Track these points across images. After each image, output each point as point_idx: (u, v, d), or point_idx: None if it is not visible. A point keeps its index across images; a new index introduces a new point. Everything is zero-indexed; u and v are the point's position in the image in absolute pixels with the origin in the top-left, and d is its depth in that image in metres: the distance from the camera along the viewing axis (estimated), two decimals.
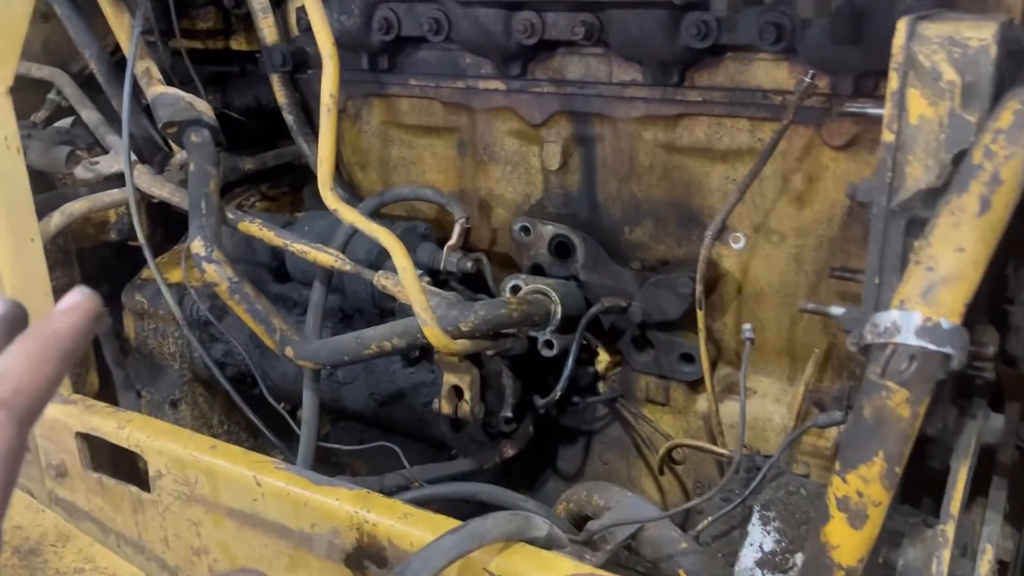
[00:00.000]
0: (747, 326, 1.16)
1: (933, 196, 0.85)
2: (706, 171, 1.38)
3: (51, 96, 1.91)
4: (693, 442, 1.30)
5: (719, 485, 1.11)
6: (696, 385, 1.47)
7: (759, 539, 1.06)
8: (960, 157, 0.82)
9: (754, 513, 1.08)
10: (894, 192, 0.88)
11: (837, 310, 1.06)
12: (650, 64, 1.33)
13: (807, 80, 1.13)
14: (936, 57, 0.83)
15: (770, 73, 1.27)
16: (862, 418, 0.77)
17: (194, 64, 1.80)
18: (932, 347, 0.72)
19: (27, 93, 1.91)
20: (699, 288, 1.26)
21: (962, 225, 0.74)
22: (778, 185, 1.32)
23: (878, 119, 1.15)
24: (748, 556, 1.04)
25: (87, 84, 1.86)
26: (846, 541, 0.79)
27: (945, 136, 0.83)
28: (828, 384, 1.39)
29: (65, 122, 1.92)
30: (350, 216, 1.27)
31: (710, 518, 1.08)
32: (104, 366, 1.80)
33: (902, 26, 0.84)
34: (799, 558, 1.03)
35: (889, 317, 0.74)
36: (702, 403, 1.47)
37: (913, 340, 0.72)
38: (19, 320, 0.53)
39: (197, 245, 1.31)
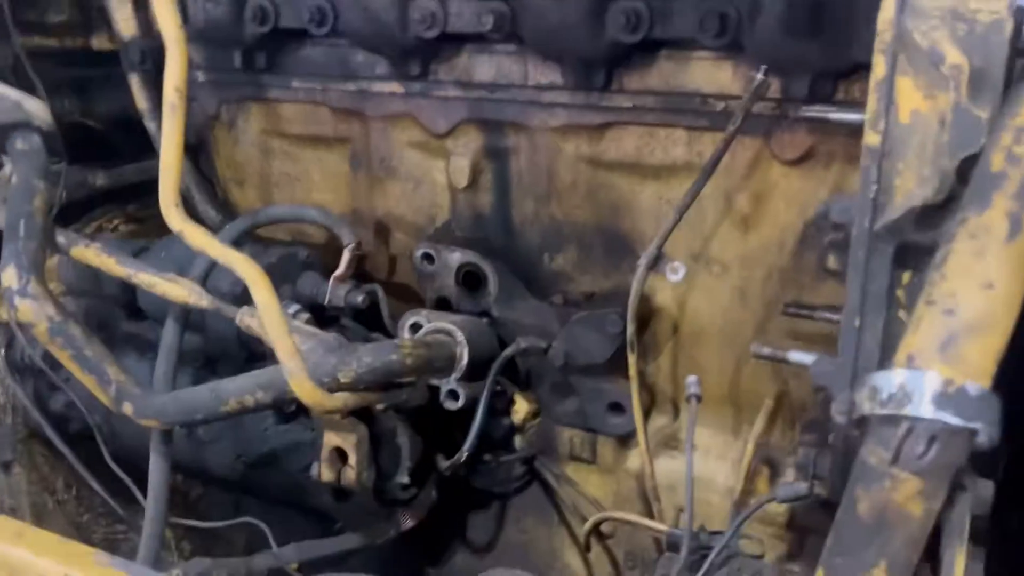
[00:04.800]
0: (692, 379, 0.95)
1: (930, 215, 0.66)
2: (636, 190, 1.18)
3: None
4: (624, 515, 1.09)
5: (662, 571, 0.89)
6: (627, 439, 1.26)
7: None
8: (968, 164, 0.63)
9: None
10: (879, 210, 0.68)
11: (800, 356, 0.87)
12: (571, 63, 1.13)
13: (760, 77, 0.94)
14: (936, 35, 0.64)
15: (711, 74, 1.08)
16: (856, 516, 0.56)
17: (49, 66, 1.53)
18: (957, 422, 0.52)
19: None
20: (631, 328, 1.05)
21: (988, 253, 0.55)
22: (720, 206, 1.13)
23: (840, 127, 0.98)
24: None
25: None
26: None
27: (948, 138, 0.64)
28: (779, 438, 1.19)
29: None
30: (200, 240, 1.02)
31: None
32: None
33: None
34: None
35: (894, 379, 0.54)
36: (634, 460, 1.26)
37: (930, 412, 0.52)
38: None
39: (9, 275, 1.04)
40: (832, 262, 0.82)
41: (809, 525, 1.13)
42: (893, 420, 0.53)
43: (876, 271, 0.70)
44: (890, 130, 0.67)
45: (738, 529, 0.89)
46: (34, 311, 1.04)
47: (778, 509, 1.15)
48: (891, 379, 0.54)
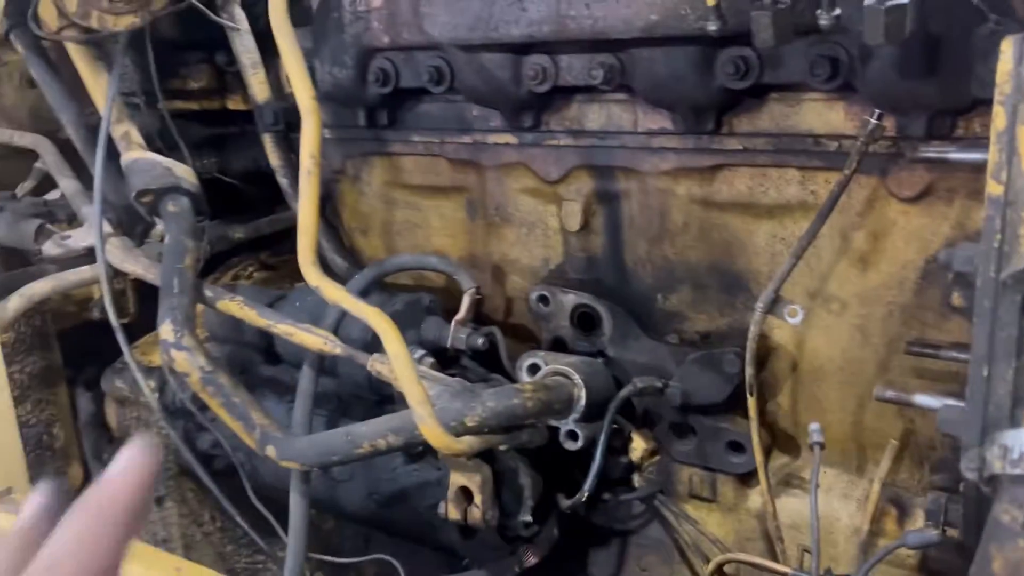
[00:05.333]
0: (815, 427, 0.95)
1: None
2: (750, 229, 1.19)
3: (37, 165, 1.79)
4: (748, 558, 1.09)
5: None
6: (747, 478, 1.25)
7: None
8: None
9: None
10: (1005, 259, 0.68)
11: (927, 401, 0.86)
12: (681, 110, 1.16)
13: (873, 121, 0.94)
14: None
15: (822, 115, 1.08)
16: (991, 574, 0.56)
17: (191, 125, 1.67)
18: None
19: (13, 162, 1.79)
20: (749, 371, 1.06)
21: None
22: (837, 245, 1.12)
23: (959, 166, 0.97)
24: None
25: (76, 153, 1.73)
26: None
27: None
28: (907, 477, 1.17)
29: (55, 193, 1.80)
30: (335, 294, 1.10)
31: None
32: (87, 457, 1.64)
33: (1008, 47, 0.65)
34: None
35: None
36: (755, 499, 1.25)
37: None
38: (60, 507, 0.46)
39: (166, 330, 1.14)
40: (956, 299, 0.81)
41: (941, 569, 1.10)
42: None
43: (1004, 320, 0.69)
44: (1013, 180, 0.66)
45: (867, 572, 0.88)
46: (188, 361, 1.13)
47: (908, 552, 1.13)
48: (1022, 438, 0.54)
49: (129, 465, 0.46)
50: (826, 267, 1.14)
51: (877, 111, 0.95)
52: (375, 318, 1.05)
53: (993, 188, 0.67)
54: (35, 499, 0.49)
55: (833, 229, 1.10)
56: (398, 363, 1.02)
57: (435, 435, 1.02)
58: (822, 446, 0.95)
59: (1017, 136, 0.66)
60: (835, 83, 1.01)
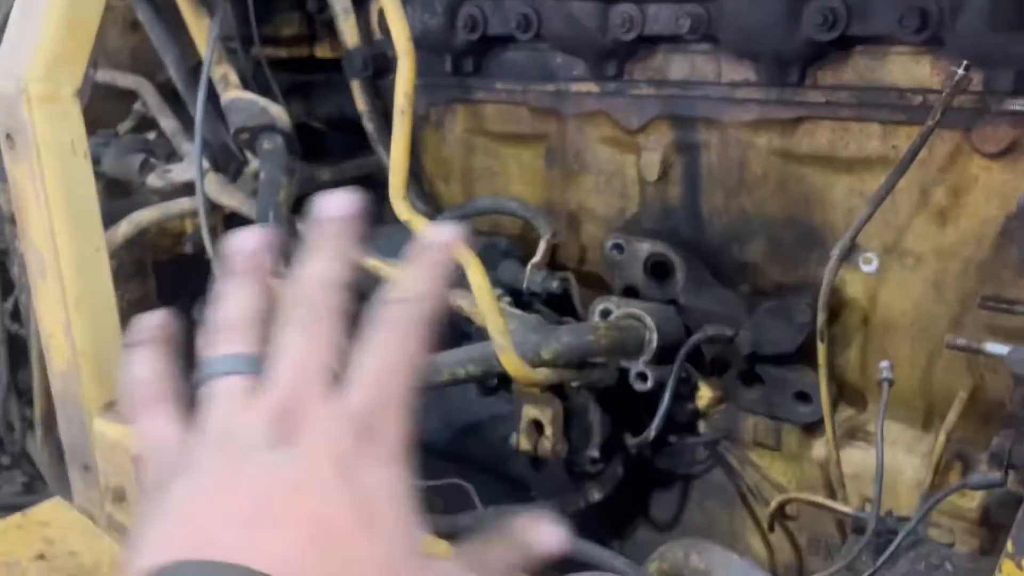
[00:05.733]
0: (885, 363, 0.98)
1: None
2: (829, 183, 1.20)
3: (136, 106, 1.88)
4: (812, 497, 1.12)
5: (848, 553, 0.93)
6: (812, 428, 1.28)
7: None
8: None
9: None
10: None
11: (997, 348, 0.88)
12: (765, 61, 1.17)
13: (961, 71, 0.95)
14: None
15: (908, 69, 1.09)
16: None
17: (278, 73, 1.74)
18: None
19: (114, 103, 1.89)
20: (821, 317, 1.08)
21: None
22: (915, 199, 1.13)
23: None
24: None
25: (175, 95, 1.82)
26: None
27: None
28: (973, 433, 1.18)
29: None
30: (423, 228, 1.15)
31: None
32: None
33: None
34: None
35: None
36: (819, 449, 1.28)
37: None
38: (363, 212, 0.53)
39: None
40: None
41: (1001, 522, 1.12)
42: None
43: None
44: None
45: (927, 513, 0.90)
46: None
47: (969, 504, 1.14)
48: None
49: (444, 239, 0.53)
50: (903, 221, 1.15)
51: (965, 62, 0.95)
52: (459, 251, 1.10)
53: None
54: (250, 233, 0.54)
55: (912, 183, 1.11)
56: (480, 294, 1.08)
57: (513, 364, 1.08)
58: (891, 383, 0.97)
59: None
60: (923, 35, 1.01)
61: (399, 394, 0.47)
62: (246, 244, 0.52)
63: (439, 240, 0.52)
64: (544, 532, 0.51)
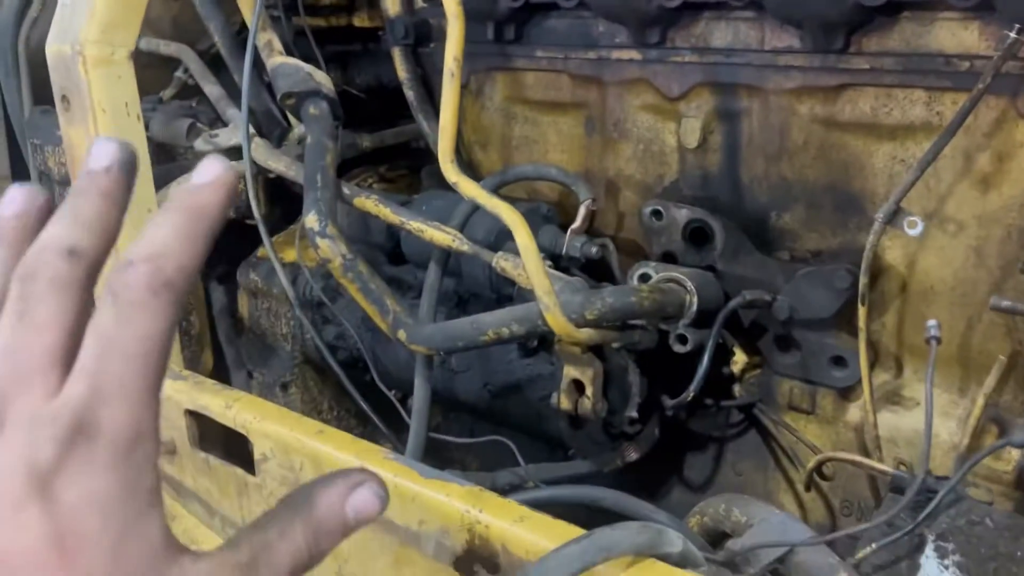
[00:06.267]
0: (932, 322, 0.99)
1: None
2: (870, 150, 1.21)
3: (178, 74, 1.91)
4: (851, 456, 1.14)
5: (887, 510, 0.95)
6: (847, 393, 1.30)
7: (934, 574, 0.90)
8: None
9: (928, 544, 0.92)
10: None
11: None
12: (810, 27, 1.18)
13: (1013, 35, 0.96)
14: None
15: (956, 35, 1.09)
16: None
17: (317, 43, 1.76)
18: None
19: (156, 70, 1.91)
20: (864, 279, 1.10)
21: None
22: (959, 165, 1.14)
23: None
24: None
25: (214, 62, 1.85)
26: None
27: None
28: (1010, 399, 1.20)
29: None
30: (471, 190, 1.18)
31: (874, 544, 0.92)
32: (219, 345, 1.79)
33: None
34: None
35: None
36: (854, 413, 1.30)
37: None
38: (134, 165, 0.45)
39: (311, 219, 1.25)
40: None
41: None
42: None
43: None
44: None
45: (970, 469, 0.92)
46: (331, 248, 1.24)
47: (1006, 467, 1.16)
48: None
49: (214, 180, 0.43)
50: (945, 188, 1.16)
51: (1017, 26, 0.96)
52: (508, 213, 1.12)
53: None
54: (17, 193, 0.44)
55: (956, 150, 1.12)
56: (527, 255, 1.10)
57: (558, 323, 1.10)
58: (938, 340, 0.99)
59: None
60: (973, 0, 1.02)
61: (128, 379, 0.38)
62: (9, 207, 0.43)
63: (202, 180, 0.43)
64: (358, 498, 0.45)
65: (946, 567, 0.91)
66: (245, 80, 1.44)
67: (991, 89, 1.03)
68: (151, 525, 0.38)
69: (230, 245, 1.84)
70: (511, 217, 1.12)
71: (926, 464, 0.94)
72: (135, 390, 0.38)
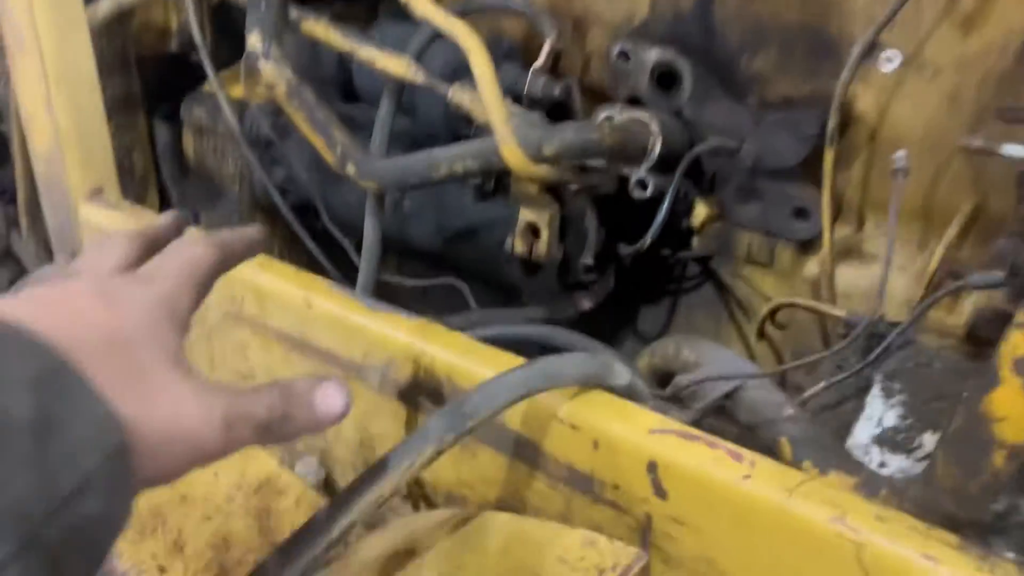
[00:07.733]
0: (901, 153, 0.96)
1: None
2: None
3: None
4: (807, 302, 1.13)
5: (837, 346, 0.94)
6: (806, 247, 1.28)
7: (879, 413, 0.90)
8: None
9: (875, 384, 0.92)
10: None
11: (1014, 148, 0.86)
12: None
13: None
14: None
15: None
16: None
17: None
18: None
19: None
20: (833, 120, 1.06)
21: None
22: (941, 4, 1.08)
23: None
24: (864, 431, 0.89)
25: None
26: (1018, 412, 0.63)
27: None
28: (969, 254, 1.18)
29: None
30: (424, 8, 1.09)
31: (822, 383, 0.92)
32: (164, 185, 1.71)
33: None
34: (928, 439, 0.87)
35: None
36: (811, 267, 1.28)
37: None
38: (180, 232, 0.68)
39: (254, 39, 1.16)
40: None
41: (988, 336, 1.13)
42: None
43: None
44: None
45: (924, 311, 0.91)
46: (276, 73, 1.15)
47: (956, 320, 1.16)
48: None
49: (243, 234, 0.65)
50: (925, 31, 1.10)
51: None
52: (464, 33, 1.05)
53: None
54: (169, 217, 0.67)
55: None
56: (483, 82, 1.03)
57: (514, 156, 1.05)
58: (905, 173, 0.96)
59: None
60: None
61: (176, 273, 0.58)
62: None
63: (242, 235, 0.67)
64: (327, 395, 0.55)
65: (891, 406, 0.91)
66: None
67: None
68: (173, 338, 0.53)
69: (174, 80, 1.74)
70: (468, 40, 1.05)
71: (880, 304, 0.92)
72: (180, 281, 0.57)
